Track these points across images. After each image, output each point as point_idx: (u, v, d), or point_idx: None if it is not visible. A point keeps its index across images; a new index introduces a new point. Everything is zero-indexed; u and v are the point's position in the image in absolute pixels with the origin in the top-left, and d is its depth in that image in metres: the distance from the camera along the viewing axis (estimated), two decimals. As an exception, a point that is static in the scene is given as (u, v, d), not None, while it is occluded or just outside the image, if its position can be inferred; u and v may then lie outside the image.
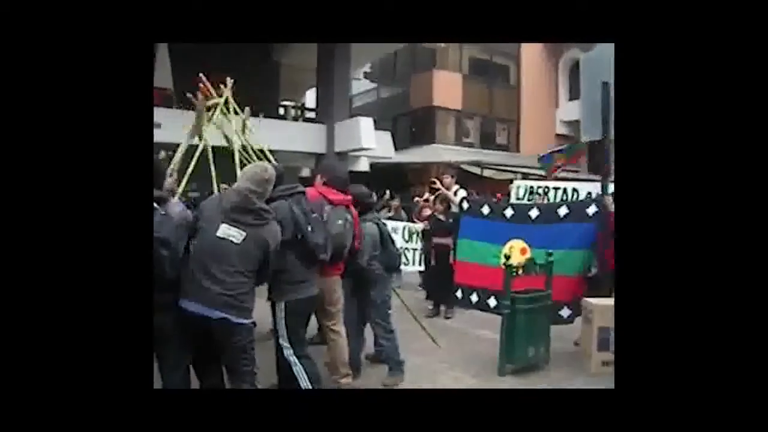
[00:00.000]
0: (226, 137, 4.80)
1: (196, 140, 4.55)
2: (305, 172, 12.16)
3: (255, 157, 4.65)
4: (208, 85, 4.67)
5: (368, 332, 4.25)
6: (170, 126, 8.49)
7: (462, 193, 6.24)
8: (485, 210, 5.24)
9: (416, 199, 7.49)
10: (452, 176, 6.58)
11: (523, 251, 4.49)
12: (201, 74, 4.61)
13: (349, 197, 3.67)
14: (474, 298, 5.11)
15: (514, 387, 3.97)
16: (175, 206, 2.84)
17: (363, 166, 12.49)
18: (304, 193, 3.26)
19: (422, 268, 6.74)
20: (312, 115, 14.25)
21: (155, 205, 2.66)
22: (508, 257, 4.33)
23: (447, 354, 4.83)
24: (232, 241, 2.72)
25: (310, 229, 3.10)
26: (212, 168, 4.52)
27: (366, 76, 19.85)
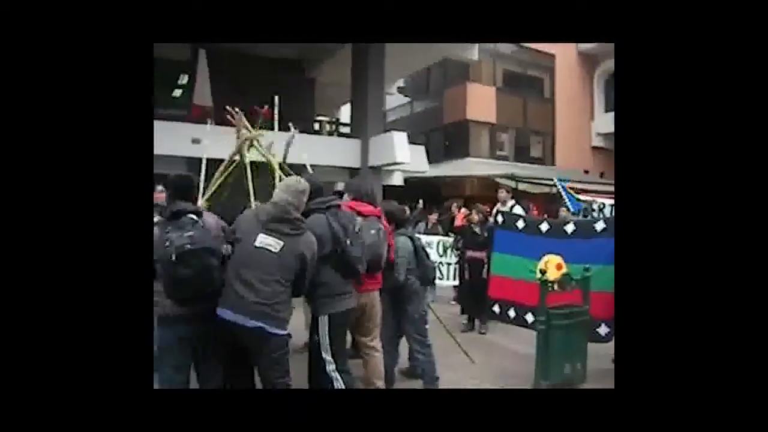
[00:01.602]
0: (264, 155, 4.88)
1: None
2: (340, 186, 12.24)
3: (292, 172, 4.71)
4: (242, 119, 4.81)
5: (402, 346, 4.24)
6: (209, 142, 8.77)
7: (518, 209, 6.21)
8: (520, 224, 5.20)
9: (454, 206, 7.39)
10: (508, 191, 6.56)
11: (558, 266, 4.42)
12: (235, 109, 4.75)
13: (379, 209, 3.72)
14: (512, 313, 5.05)
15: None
16: (210, 218, 2.94)
17: (397, 180, 12.51)
18: (339, 206, 3.30)
19: (456, 282, 6.72)
20: (346, 129, 14.38)
21: (194, 217, 2.75)
22: (543, 272, 4.27)
23: (481, 369, 4.79)
24: (269, 250, 2.79)
25: (349, 242, 3.13)
26: (250, 183, 4.59)
27: (399, 90, 19.93)
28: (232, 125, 4.79)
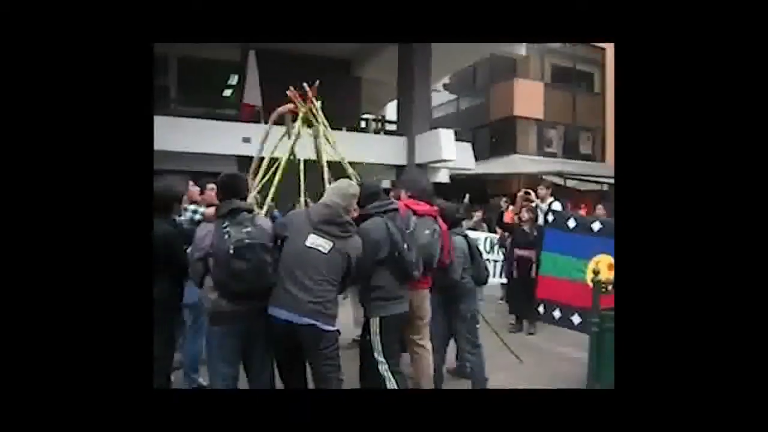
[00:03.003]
0: (317, 151, 4.89)
1: (281, 153, 4.69)
2: (386, 184, 12.29)
3: (347, 170, 4.71)
4: (296, 94, 4.80)
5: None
6: (258, 140, 8.95)
7: (557, 206, 6.08)
8: (571, 223, 5.07)
9: (503, 201, 7.24)
10: (548, 187, 6.44)
11: (611, 267, 4.30)
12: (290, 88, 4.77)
13: (435, 208, 3.68)
14: (557, 314, 4.94)
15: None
16: (262, 218, 3.01)
17: (443, 177, 12.46)
18: (397, 209, 3.30)
19: (504, 280, 6.63)
20: (392, 127, 14.42)
21: (248, 214, 2.83)
22: (596, 273, 4.16)
23: (529, 371, 4.72)
24: (319, 251, 2.85)
25: (406, 247, 3.15)
26: (302, 181, 4.62)
27: (445, 87, 19.84)
28: (282, 123, 4.83)
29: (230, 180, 3.05)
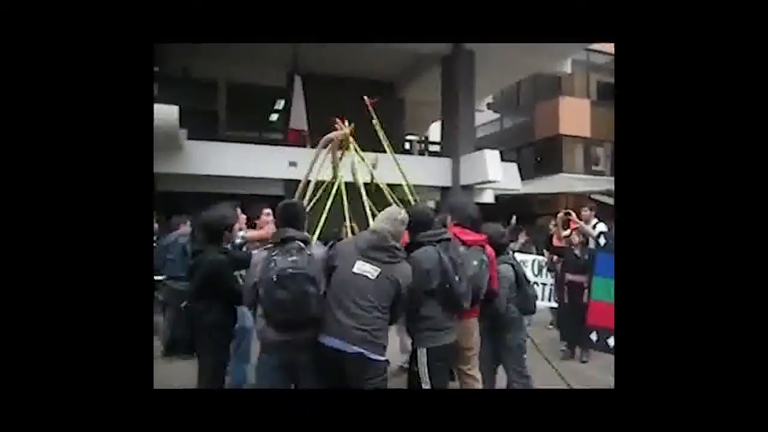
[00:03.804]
0: (353, 174, 4.91)
1: (325, 176, 4.72)
2: (430, 204, 12.24)
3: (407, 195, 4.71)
4: (341, 123, 4.87)
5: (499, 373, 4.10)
6: (305, 164, 9.06)
7: (601, 227, 5.88)
8: (624, 246, 4.89)
9: (552, 223, 7.01)
10: (591, 209, 6.25)
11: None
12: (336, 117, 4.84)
13: (484, 237, 3.61)
14: (611, 342, 4.74)
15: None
16: (319, 249, 3.00)
17: (488, 197, 12.33)
18: (450, 239, 3.24)
19: (554, 304, 6.43)
20: (436, 147, 14.40)
21: (302, 244, 2.83)
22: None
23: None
24: (367, 277, 2.81)
25: (457, 278, 3.09)
26: (345, 205, 4.60)
27: (489, 106, 19.74)
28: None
29: (288, 208, 3.07)
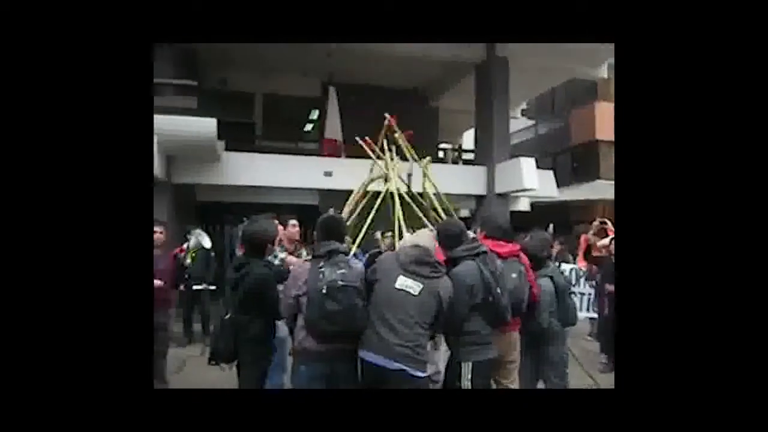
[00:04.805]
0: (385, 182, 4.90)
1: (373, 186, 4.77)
2: (464, 213, 12.15)
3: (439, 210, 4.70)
4: (371, 144, 4.99)
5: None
6: (340, 174, 9.14)
7: None
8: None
9: (592, 232, 6.81)
10: None
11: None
12: (363, 138, 4.99)
13: (518, 247, 3.59)
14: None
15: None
16: (357, 261, 3.03)
17: (523, 205, 12.17)
18: (486, 252, 3.21)
19: (593, 315, 6.29)
20: (469, 156, 14.30)
21: (345, 256, 2.85)
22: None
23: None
24: (409, 292, 2.80)
25: (499, 291, 3.07)
26: (396, 213, 4.48)
27: (523, 113, 19.52)
28: (366, 156, 4.95)
29: (330, 222, 3.13)
